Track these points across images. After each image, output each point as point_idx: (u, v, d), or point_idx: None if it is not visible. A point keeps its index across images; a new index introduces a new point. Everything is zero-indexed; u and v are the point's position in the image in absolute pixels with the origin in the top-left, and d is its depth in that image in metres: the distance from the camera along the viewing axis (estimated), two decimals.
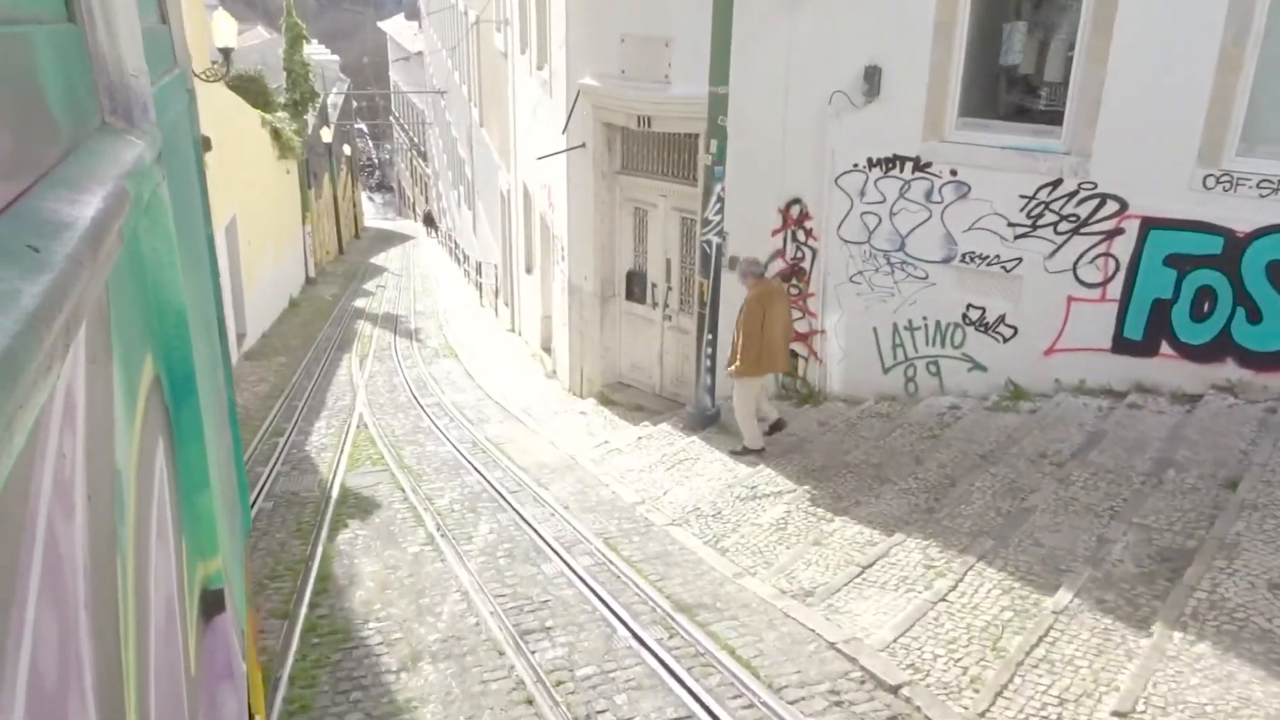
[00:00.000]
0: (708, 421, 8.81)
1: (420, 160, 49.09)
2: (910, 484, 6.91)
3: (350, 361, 15.09)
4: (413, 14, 50.08)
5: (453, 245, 31.06)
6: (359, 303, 22.72)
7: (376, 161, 67.50)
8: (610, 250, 10.33)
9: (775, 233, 8.90)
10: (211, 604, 1.87)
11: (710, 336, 8.56)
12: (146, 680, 1.12)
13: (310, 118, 26.21)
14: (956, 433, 7.59)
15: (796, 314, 9.02)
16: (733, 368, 7.89)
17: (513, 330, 16.58)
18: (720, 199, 8.19)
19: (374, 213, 54.88)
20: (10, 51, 0.89)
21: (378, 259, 33.24)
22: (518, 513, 7.26)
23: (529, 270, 14.94)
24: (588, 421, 10.09)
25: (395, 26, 55.13)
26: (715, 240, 8.30)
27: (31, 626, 0.65)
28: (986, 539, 5.79)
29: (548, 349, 13.23)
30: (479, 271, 22.01)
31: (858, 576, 5.63)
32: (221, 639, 1.91)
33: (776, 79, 8.43)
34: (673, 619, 5.32)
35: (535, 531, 6.81)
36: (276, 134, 20.26)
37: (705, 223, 8.29)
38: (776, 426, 8.23)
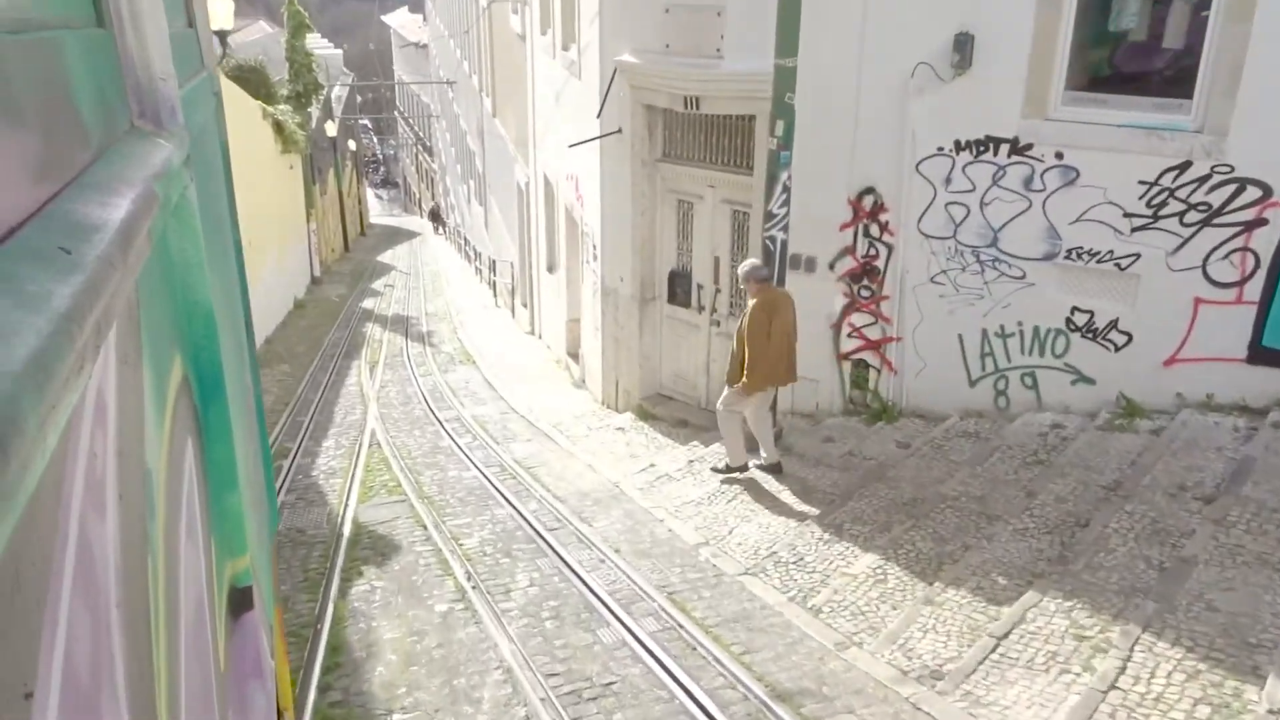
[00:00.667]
0: None
1: (426, 155, 48.29)
2: (1026, 523, 5.85)
3: (360, 369, 14.06)
4: (417, 6, 49.15)
5: (462, 242, 30.01)
6: (367, 303, 21.70)
7: (381, 157, 66.61)
8: (650, 248, 9.26)
9: (844, 227, 7.83)
10: (240, 602, 1.86)
11: None
12: (177, 677, 1.12)
13: (314, 110, 25.19)
14: (1069, 457, 6.52)
15: (868, 319, 7.95)
16: (740, 384, 6.91)
17: (533, 333, 15.53)
18: (786, 189, 7.12)
19: (379, 209, 54.09)
20: (42, 56, 0.90)
21: (385, 256, 32.22)
22: (560, 557, 6.21)
23: (551, 269, 13.88)
24: (627, 440, 9.04)
25: (399, 20, 54.30)
26: (780, 236, 7.23)
27: (65, 624, 0.64)
28: (1144, 600, 4.73)
29: (575, 355, 12.18)
30: (493, 270, 20.94)
31: (994, 651, 4.57)
32: (250, 636, 1.89)
33: (849, 50, 7.35)
34: (771, 713, 4.27)
35: (584, 584, 5.76)
36: (279, 127, 19.23)
37: (768, 216, 7.22)
38: (775, 461, 7.28)
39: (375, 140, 65.91)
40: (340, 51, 46.79)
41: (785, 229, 7.24)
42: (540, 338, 15.05)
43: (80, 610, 0.69)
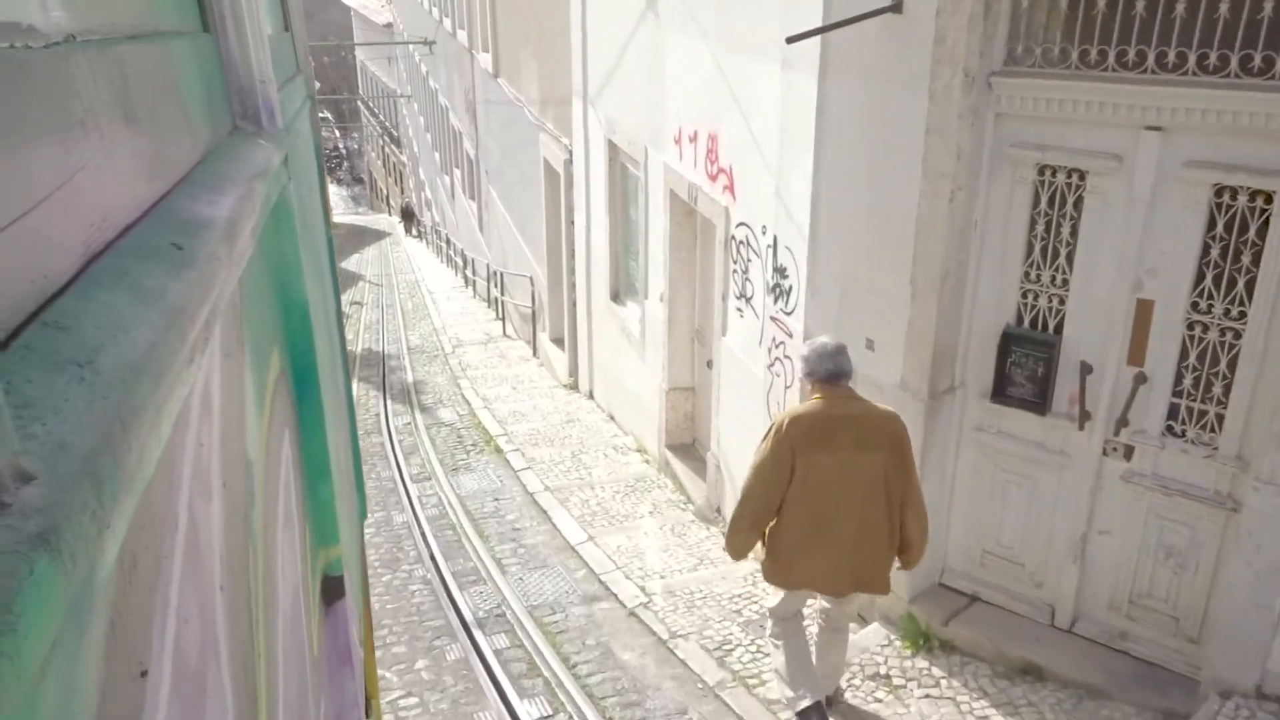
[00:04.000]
0: None
1: (393, 147, 43.22)
2: None
3: None
4: None
5: (444, 244, 24.65)
6: None
7: (344, 151, 61.13)
8: (958, 279, 4.14)
9: None
10: (332, 590, 1.88)
11: None
12: (275, 660, 1.12)
13: None
14: None
15: None
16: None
17: (575, 388, 10.33)
18: None
19: (343, 208, 48.81)
20: (156, 61, 0.92)
21: (350, 262, 26.76)
22: None
23: (617, 298, 8.72)
24: None
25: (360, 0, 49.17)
26: None
27: (175, 606, 0.66)
28: None
29: (681, 449, 7.05)
30: (497, 284, 15.62)
31: None
32: (341, 624, 1.89)
33: None
34: None
35: None
36: None
37: None
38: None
39: (337, 133, 60.49)
40: None
41: None
42: (591, 397, 9.85)
43: (189, 593, 0.70)
